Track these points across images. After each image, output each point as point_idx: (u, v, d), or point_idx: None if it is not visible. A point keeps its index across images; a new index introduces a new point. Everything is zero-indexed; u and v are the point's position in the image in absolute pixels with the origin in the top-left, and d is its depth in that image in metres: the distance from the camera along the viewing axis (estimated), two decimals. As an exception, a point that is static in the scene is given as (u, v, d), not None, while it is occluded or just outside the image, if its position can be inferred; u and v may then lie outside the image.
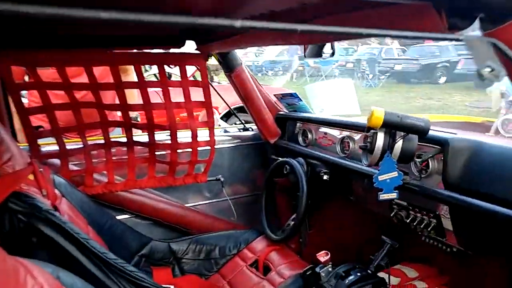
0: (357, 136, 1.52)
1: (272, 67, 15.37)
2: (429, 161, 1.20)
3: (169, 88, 1.49)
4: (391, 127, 1.08)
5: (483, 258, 1.41)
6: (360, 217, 1.91)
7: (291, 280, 1.40)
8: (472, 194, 1.06)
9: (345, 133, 1.58)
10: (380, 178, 1.12)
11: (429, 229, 1.33)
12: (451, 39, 0.50)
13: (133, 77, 1.56)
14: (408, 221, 1.40)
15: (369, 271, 1.32)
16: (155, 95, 1.68)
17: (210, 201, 1.85)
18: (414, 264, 1.57)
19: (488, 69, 0.48)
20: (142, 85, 1.46)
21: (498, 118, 1.90)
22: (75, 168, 1.53)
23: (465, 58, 11.18)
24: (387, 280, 1.31)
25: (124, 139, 1.54)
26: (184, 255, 1.65)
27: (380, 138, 1.10)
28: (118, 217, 1.58)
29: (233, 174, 1.90)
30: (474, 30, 0.57)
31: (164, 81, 1.48)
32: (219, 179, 1.77)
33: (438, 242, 1.39)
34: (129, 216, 1.69)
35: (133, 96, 1.67)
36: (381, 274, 1.37)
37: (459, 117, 2.55)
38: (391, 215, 1.47)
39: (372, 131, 1.13)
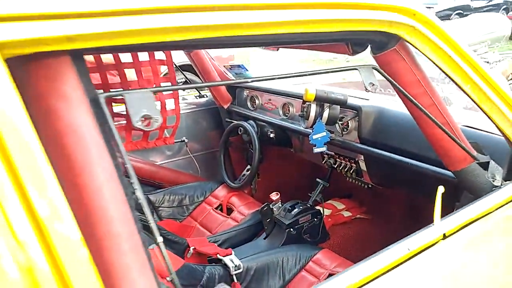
0: (295, 102, 1.91)
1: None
2: (349, 122, 1.62)
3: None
4: (320, 100, 1.47)
5: (389, 191, 1.91)
6: (298, 165, 2.35)
7: (250, 216, 1.82)
8: (378, 145, 1.50)
9: (286, 99, 1.96)
10: (314, 137, 1.53)
11: (351, 172, 1.78)
12: (352, 68, 0.87)
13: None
14: (335, 166, 1.85)
15: (308, 204, 1.77)
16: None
17: (176, 159, 2.19)
18: (341, 199, 2.05)
19: (370, 85, 0.87)
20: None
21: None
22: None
23: None
24: (322, 211, 1.77)
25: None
26: (161, 204, 2.00)
27: (313, 109, 1.49)
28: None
29: (193, 135, 2.23)
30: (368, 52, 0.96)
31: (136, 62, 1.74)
32: (184, 140, 2.11)
33: (358, 181, 1.86)
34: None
35: None
36: (317, 207, 1.83)
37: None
38: (323, 162, 1.91)
39: (307, 103, 1.52)
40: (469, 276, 0.87)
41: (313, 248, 1.55)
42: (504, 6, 13.01)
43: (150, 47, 0.64)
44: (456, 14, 11.63)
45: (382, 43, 0.93)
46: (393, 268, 0.76)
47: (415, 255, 0.80)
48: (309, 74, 1.10)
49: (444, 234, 0.85)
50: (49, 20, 0.50)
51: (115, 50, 0.64)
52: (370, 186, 1.85)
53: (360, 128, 1.55)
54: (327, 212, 1.90)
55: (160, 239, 0.59)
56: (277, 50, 1.40)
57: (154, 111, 0.61)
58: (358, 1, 0.81)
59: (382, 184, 1.72)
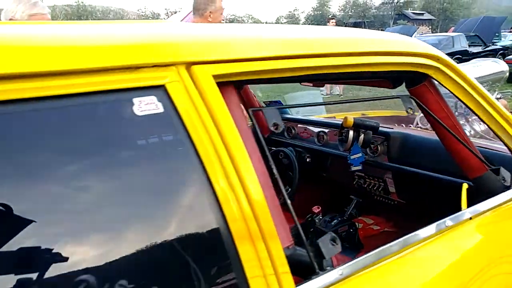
0: (328, 131, 2.25)
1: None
2: (378, 147, 1.95)
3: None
4: (357, 127, 1.81)
5: (413, 207, 2.20)
6: (329, 187, 2.66)
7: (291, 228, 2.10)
8: (404, 163, 1.82)
9: (319, 128, 2.30)
10: (352, 157, 1.85)
11: (379, 190, 2.09)
12: (396, 97, 1.21)
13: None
14: (365, 186, 2.16)
15: (344, 217, 2.06)
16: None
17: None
18: (370, 216, 2.34)
19: (409, 108, 1.20)
20: None
21: (417, 115, 2.75)
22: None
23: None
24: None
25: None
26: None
27: (351, 133, 1.83)
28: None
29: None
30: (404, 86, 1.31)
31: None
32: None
33: (385, 198, 2.16)
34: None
35: None
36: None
37: (388, 111, 3.43)
38: (353, 183, 2.22)
39: (345, 129, 1.85)
40: (488, 245, 1.17)
41: (352, 252, 1.83)
42: (501, 51, 13.66)
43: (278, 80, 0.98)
44: (456, 58, 12.22)
45: (415, 80, 1.28)
46: (434, 236, 1.07)
47: (450, 229, 1.10)
48: (353, 101, 1.44)
49: (470, 217, 1.16)
50: (226, 63, 0.84)
51: (260, 82, 0.98)
52: (395, 202, 2.14)
53: (389, 150, 1.87)
54: (358, 226, 2.17)
55: (289, 202, 0.91)
56: (323, 86, 1.74)
57: (280, 121, 0.94)
58: (399, 50, 1.17)
59: (408, 199, 2.02)
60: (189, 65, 0.78)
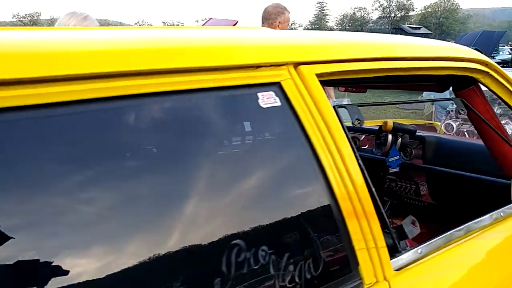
0: (362, 137, 2.36)
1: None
2: (412, 151, 2.06)
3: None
4: (396, 130, 1.92)
5: (443, 209, 2.30)
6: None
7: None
8: (440, 165, 1.94)
9: (352, 134, 2.42)
10: (390, 160, 1.96)
11: (411, 192, 2.20)
12: (449, 99, 1.33)
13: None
14: (396, 189, 2.27)
15: (379, 218, 2.16)
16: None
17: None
18: (399, 218, 2.45)
19: (462, 110, 1.32)
20: None
21: (441, 122, 2.87)
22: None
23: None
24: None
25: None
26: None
27: (390, 137, 1.94)
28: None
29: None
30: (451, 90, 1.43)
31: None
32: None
33: (415, 200, 2.27)
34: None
35: None
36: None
37: (406, 120, 3.54)
38: (385, 186, 2.33)
39: (384, 132, 1.97)
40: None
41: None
42: (500, 65, 13.93)
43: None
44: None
45: (464, 83, 1.40)
46: (492, 224, 1.17)
47: (505, 219, 1.21)
48: (402, 103, 1.56)
49: None
50: (326, 64, 0.95)
51: (348, 82, 1.08)
52: (426, 204, 2.25)
53: (424, 153, 1.99)
54: (390, 227, 2.28)
55: (373, 189, 1.01)
56: (365, 91, 1.87)
57: (361, 117, 1.05)
58: (455, 55, 1.29)
59: (441, 200, 2.13)
60: (296, 65, 0.89)
